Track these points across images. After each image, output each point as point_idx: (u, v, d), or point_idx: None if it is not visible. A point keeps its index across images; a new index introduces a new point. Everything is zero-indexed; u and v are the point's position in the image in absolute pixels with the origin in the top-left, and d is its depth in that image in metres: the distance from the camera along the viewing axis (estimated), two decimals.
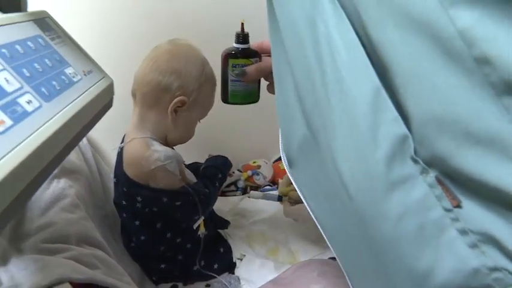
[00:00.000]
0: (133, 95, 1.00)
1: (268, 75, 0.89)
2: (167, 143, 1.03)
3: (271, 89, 0.89)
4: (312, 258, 1.03)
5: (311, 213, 0.63)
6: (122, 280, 0.69)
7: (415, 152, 0.44)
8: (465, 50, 0.37)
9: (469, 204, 0.42)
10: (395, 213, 0.44)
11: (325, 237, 0.62)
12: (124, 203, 0.99)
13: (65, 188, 0.83)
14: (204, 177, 1.09)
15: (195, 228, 1.00)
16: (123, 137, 1.05)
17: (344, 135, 0.47)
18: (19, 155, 0.34)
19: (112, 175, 1.14)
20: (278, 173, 1.50)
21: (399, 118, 0.44)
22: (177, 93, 0.95)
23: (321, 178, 0.54)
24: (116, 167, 1.03)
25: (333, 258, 0.98)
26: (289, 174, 0.66)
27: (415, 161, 0.44)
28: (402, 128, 0.44)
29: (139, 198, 0.96)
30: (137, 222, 1.00)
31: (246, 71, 0.87)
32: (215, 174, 1.10)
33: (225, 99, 0.93)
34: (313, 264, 0.90)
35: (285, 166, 0.67)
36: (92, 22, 1.22)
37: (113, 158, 1.15)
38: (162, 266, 1.03)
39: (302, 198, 0.64)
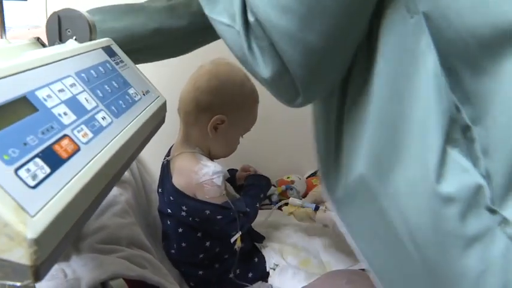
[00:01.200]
0: (179, 112, 1.09)
1: None
2: (211, 156, 1.10)
3: None
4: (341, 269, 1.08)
5: (362, 255, 0.57)
6: (167, 280, 0.76)
7: (492, 199, 0.40)
8: None
9: None
10: (474, 271, 0.40)
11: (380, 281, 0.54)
12: (169, 211, 1.07)
13: (117, 195, 0.91)
14: (247, 195, 1.15)
15: (232, 242, 1.06)
16: (169, 150, 1.13)
17: (410, 181, 0.43)
18: (100, 161, 0.41)
19: (153, 186, 1.23)
20: (311, 188, 1.56)
21: (471, 166, 0.41)
22: (216, 112, 1.02)
23: (380, 226, 0.49)
24: (161, 177, 1.12)
25: (363, 270, 1.03)
26: (336, 214, 0.60)
27: (492, 212, 0.40)
28: (475, 177, 0.40)
29: (184, 208, 1.04)
30: (180, 230, 1.07)
31: None
32: (258, 194, 1.17)
33: None
34: (342, 273, 0.95)
35: (331, 205, 0.60)
36: None
37: (153, 168, 1.24)
38: (200, 272, 1.10)
39: (351, 237, 0.58)
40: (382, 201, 0.47)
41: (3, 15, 0.49)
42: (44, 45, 0.60)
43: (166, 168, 1.10)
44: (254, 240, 1.23)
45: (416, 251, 0.44)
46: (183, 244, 1.08)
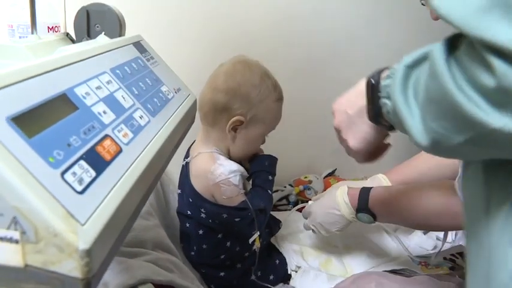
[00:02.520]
0: (199, 113, 1.05)
1: None
2: (230, 157, 1.07)
3: None
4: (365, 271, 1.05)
5: None
6: (194, 284, 0.74)
7: None
8: None
9: None
10: None
11: None
12: (189, 212, 1.05)
13: None
14: (255, 187, 1.09)
15: (250, 242, 1.03)
16: (187, 150, 1.11)
17: None
18: (142, 162, 0.39)
19: (171, 186, 1.21)
20: (328, 188, 1.53)
21: None
22: (234, 113, 0.98)
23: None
24: (181, 179, 1.09)
25: (388, 271, 1.01)
26: None
27: None
28: None
29: (203, 210, 1.01)
30: (201, 232, 1.05)
31: None
32: (266, 179, 1.10)
33: None
34: (371, 275, 0.92)
35: None
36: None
37: (170, 168, 1.22)
38: (221, 274, 1.07)
39: None
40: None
41: (34, 11, 0.47)
42: (73, 41, 0.57)
43: (185, 170, 1.08)
44: (272, 232, 1.19)
45: None
46: (204, 246, 1.06)
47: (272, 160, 1.13)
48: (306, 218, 1.12)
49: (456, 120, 0.38)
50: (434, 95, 0.40)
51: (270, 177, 1.10)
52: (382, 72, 0.55)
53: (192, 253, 1.08)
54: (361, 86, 0.60)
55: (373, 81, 0.55)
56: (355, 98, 0.61)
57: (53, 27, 0.87)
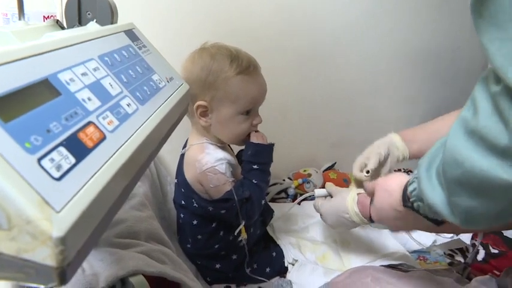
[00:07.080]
0: None
1: None
2: (224, 143, 1.07)
3: None
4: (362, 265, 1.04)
5: None
6: (187, 276, 0.73)
7: None
8: None
9: None
10: None
11: None
12: (183, 202, 1.05)
13: (135, 187, 0.88)
14: (243, 176, 1.05)
15: (236, 234, 1.02)
16: (186, 141, 1.11)
17: None
18: (127, 151, 0.38)
19: (168, 177, 1.21)
20: (328, 181, 1.52)
21: None
22: (196, 99, 0.98)
23: None
24: (177, 169, 1.09)
25: (385, 266, 0.99)
26: None
27: None
28: None
29: (194, 201, 1.02)
30: (195, 222, 1.05)
31: None
32: (250, 169, 1.04)
33: None
34: (367, 270, 0.91)
35: None
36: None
37: (167, 160, 1.21)
38: (217, 266, 1.07)
39: None
40: None
41: None
42: (62, 28, 0.56)
43: (181, 160, 1.08)
44: (265, 220, 1.18)
45: None
46: (199, 236, 1.06)
47: (256, 148, 1.05)
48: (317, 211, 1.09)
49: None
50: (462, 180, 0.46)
51: (256, 167, 1.04)
52: (407, 187, 0.65)
53: (188, 245, 1.08)
54: (390, 187, 0.71)
55: (408, 202, 0.65)
56: (395, 203, 0.70)
57: (48, 16, 0.86)
